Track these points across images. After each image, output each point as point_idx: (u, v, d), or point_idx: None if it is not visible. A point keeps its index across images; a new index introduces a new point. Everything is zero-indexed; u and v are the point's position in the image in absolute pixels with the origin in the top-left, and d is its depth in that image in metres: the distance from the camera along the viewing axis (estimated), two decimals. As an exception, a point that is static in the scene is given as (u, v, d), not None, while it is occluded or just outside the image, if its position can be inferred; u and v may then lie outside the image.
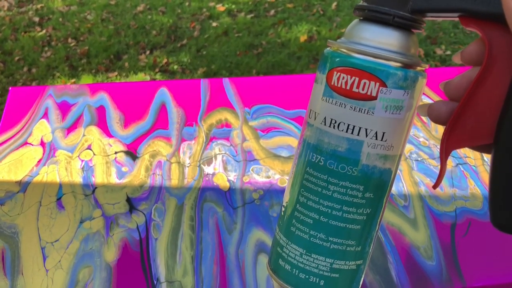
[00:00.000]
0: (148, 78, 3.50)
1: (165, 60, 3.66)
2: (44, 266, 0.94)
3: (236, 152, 1.13)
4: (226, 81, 1.28)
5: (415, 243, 0.97)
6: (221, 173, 1.09)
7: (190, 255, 0.96)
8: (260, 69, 3.46)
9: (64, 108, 1.19)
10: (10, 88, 1.21)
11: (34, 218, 1.00)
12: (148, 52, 3.73)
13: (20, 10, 4.43)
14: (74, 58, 3.77)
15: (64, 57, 3.79)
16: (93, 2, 4.35)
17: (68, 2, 4.44)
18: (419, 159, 1.12)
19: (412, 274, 0.92)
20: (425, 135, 1.17)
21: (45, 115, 1.18)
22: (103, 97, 1.22)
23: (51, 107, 1.20)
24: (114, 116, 1.19)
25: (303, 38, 3.64)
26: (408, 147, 1.15)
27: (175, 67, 3.58)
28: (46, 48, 3.93)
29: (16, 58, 3.87)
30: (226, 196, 1.05)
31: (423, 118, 1.20)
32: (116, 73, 3.55)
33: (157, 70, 3.56)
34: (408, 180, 1.08)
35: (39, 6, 4.45)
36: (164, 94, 1.24)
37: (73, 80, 3.55)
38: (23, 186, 1.05)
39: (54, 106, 1.20)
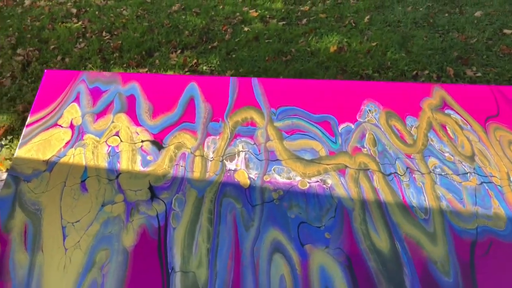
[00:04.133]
0: (176, 76, 3.54)
1: (194, 61, 3.70)
2: (64, 245, 0.96)
3: (259, 150, 1.14)
4: (254, 81, 1.29)
5: (432, 257, 0.96)
6: (243, 170, 1.10)
7: (206, 248, 0.97)
8: (288, 76, 3.46)
9: (95, 94, 1.22)
10: (45, 70, 1.25)
11: (57, 197, 1.03)
12: (179, 51, 3.78)
13: (59, 1, 4.56)
14: (107, 51, 3.85)
15: (97, 50, 3.87)
16: (129, -1, 4.43)
17: (106, -4, 4.54)
18: (443, 173, 1.11)
19: (428, 288, 0.91)
20: (451, 151, 1.15)
21: (77, 99, 1.21)
22: (134, 87, 1.24)
23: (83, 92, 1.23)
24: (143, 105, 1.21)
25: (333, 48, 3.64)
26: (433, 161, 1.14)
27: (204, 68, 3.61)
28: (81, 39, 4.03)
29: (52, 47, 3.97)
30: (246, 193, 1.06)
31: (450, 133, 1.19)
32: (146, 69, 3.61)
33: (186, 69, 3.60)
34: (430, 194, 1.06)
35: (77, -2, 4.56)
36: (193, 88, 1.26)
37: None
38: (50, 165, 1.08)
39: (86, 91, 1.23)
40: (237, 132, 1.18)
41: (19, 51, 3.91)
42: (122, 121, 1.17)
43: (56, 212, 1.00)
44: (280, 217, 1.02)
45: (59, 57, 3.84)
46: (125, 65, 3.70)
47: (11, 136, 3.16)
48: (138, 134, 1.15)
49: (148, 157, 1.11)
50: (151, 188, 1.05)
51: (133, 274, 0.93)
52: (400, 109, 1.23)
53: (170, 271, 0.93)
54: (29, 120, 1.16)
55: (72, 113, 1.18)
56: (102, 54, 3.83)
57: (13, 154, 3.06)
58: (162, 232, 0.98)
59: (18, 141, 3.22)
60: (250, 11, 4.13)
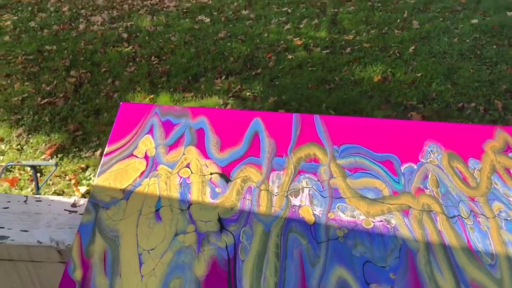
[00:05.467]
0: (221, 101, 3.64)
1: (238, 86, 3.80)
2: (140, 271, 1.02)
3: (323, 187, 1.18)
4: (316, 118, 1.34)
5: (501, 304, 0.96)
6: (307, 206, 1.14)
7: (274, 282, 1.01)
8: (330, 104, 3.50)
9: (167, 126, 1.30)
10: (121, 103, 1.33)
11: (134, 225, 1.09)
12: (224, 77, 3.89)
13: (111, 26, 4.79)
14: (155, 75, 4.01)
15: (146, 73, 4.03)
16: (178, 25, 4.62)
17: (156, 22, 4.74)
18: (508, 218, 1.11)
19: (497, 336, 0.91)
20: (516, 195, 1.16)
21: (150, 131, 1.29)
22: (203, 121, 1.31)
23: (156, 124, 1.30)
24: (212, 139, 1.27)
25: (377, 78, 3.66)
26: (497, 205, 1.14)
27: (248, 94, 3.70)
28: (131, 63, 4.21)
29: (103, 70, 4.17)
30: (311, 229, 1.09)
31: (514, 177, 1.19)
32: (192, 93, 3.73)
33: (230, 95, 3.70)
34: (496, 239, 1.07)
35: (129, 23, 4.79)
36: (258, 124, 1.31)
37: (151, 96, 3.76)
38: (127, 194, 1.15)
39: (159, 124, 1.30)
40: (301, 168, 1.22)
41: (72, 73, 4.12)
42: (192, 153, 1.24)
43: (132, 239, 1.06)
44: (345, 256, 1.04)
45: (109, 80, 4.02)
46: (172, 89, 3.83)
47: (62, 154, 3.31)
48: (207, 167, 1.21)
49: (217, 189, 1.17)
50: (220, 220, 1.10)
51: (205, 304, 0.97)
52: (462, 151, 1.24)
53: (239, 303, 0.97)
54: (107, 149, 1.24)
55: (147, 144, 1.26)
56: (151, 78, 3.99)
57: (63, 172, 3.20)
58: (232, 263, 1.03)
59: (68, 159, 3.38)
60: (294, 39, 4.22)
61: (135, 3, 5.33)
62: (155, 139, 1.27)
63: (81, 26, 4.82)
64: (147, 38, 4.52)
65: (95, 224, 1.09)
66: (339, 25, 4.56)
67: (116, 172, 1.20)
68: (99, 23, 4.80)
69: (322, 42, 4.24)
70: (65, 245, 1.11)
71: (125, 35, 4.61)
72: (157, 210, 1.12)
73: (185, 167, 1.21)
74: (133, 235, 1.07)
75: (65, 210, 1.18)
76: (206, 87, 3.86)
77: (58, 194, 3.00)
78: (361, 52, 4.04)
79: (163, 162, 1.22)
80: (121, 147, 1.25)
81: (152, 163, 1.22)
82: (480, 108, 3.28)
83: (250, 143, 1.27)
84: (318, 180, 1.19)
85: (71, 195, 2.94)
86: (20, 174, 3.09)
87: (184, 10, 5.16)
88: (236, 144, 1.27)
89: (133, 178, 1.18)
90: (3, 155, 3.29)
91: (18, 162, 3.04)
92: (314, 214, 1.12)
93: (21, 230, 1.14)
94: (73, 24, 4.92)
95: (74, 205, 1.19)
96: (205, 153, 1.24)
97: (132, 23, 4.84)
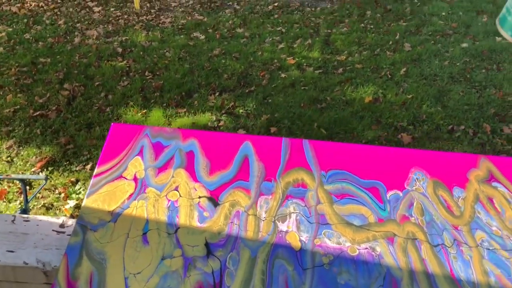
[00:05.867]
0: (214, 118, 3.66)
1: (232, 103, 3.82)
2: (125, 295, 1.02)
3: (310, 213, 1.19)
4: (305, 143, 1.36)
5: (482, 334, 0.97)
6: (294, 232, 1.15)
7: (259, 308, 1.01)
8: (322, 123, 3.53)
9: (157, 148, 1.31)
10: (112, 124, 1.34)
11: (121, 248, 1.09)
12: (217, 93, 3.91)
13: (106, 40, 4.82)
14: (148, 90, 4.02)
15: (139, 88, 4.04)
16: (173, 41, 4.66)
17: (151, 38, 4.78)
18: (490, 248, 1.13)
19: None
20: (498, 225, 1.18)
21: (140, 153, 1.30)
22: (193, 143, 1.32)
23: (146, 146, 1.32)
24: (201, 162, 1.28)
25: (368, 98, 3.71)
26: (480, 234, 1.16)
27: (241, 111, 3.72)
28: (124, 78, 4.22)
29: (96, 83, 4.17)
30: (297, 256, 1.10)
31: (497, 206, 1.21)
32: (185, 109, 3.74)
33: (223, 111, 3.72)
34: (478, 268, 1.08)
35: (124, 38, 4.82)
36: (247, 147, 1.33)
37: (144, 111, 3.77)
38: (115, 216, 1.15)
39: (149, 146, 1.32)
40: (289, 193, 1.23)
41: (66, 85, 4.12)
42: (181, 176, 1.25)
43: (119, 262, 1.07)
44: (330, 283, 1.05)
45: (102, 94, 4.03)
46: (165, 104, 3.85)
47: (52, 167, 3.30)
48: (196, 190, 1.22)
49: (205, 213, 1.18)
50: (207, 244, 1.11)
51: (189, 330, 0.97)
52: (447, 179, 1.27)
53: (224, 329, 0.97)
54: (96, 170, 1.25)
55: (136, 166, 1.27)
56: (144, 93, 4.00)
57: (53, 186, 3.19)
58: (217, 289, 1.03)
59: (59, 172, 3.36)
60: (288, 58, 4.27)
61: (130, 18, 5.37)
62: (145, 161, 1.28)
63: (76, 40, 4.84)
64: (141, 53, 4.55)
65: (82, 246, 1.09)
66: (332, 46, 4.63)
67: (105, 194, 1.20)
68: (94, 37, 4.82)
69: (315, 62, 4.30)
70: (51, 266, 1.11)
71: (119, 50, 4.64)
72: (144, 234, 1.13)
73: (174, 190, 1.22)
74: (120, 258, 1.08)
75: (53, 230, 1.18)
76: (199, 103, 3.89)
77: (47, 208, 2.99)
78: (353, 72, 4.09)
79: (152, 184, 1.23)
80: (110, 168, 1.26)
81: (141, 185, 1.23)
82: (469, 131, 3.33)
83: (239, 166, 1.29)
84: (306, 205, 1.21)
85: (60, 209, 2.92)
86: (9, 186, 3.07)
87: (180, 27, 5.21)
88: (225, 167, 1.28)
89: (122, 200, 1.19)
90: (-7, 167, 3.26)
91: (7, 175, 3.03)
92: (300, 240, 1.13)
93: (7, 251, 1.14)
94: (68, 37, 4.94)
95: (62, 225, 1.19)
96: (194, 176, 1.25)
97: (127, 38, 4.88)
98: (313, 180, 1.27)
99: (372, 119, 3.53)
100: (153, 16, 5.47)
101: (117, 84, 4.15)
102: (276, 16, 5.44)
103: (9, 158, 3.38)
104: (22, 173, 3.27)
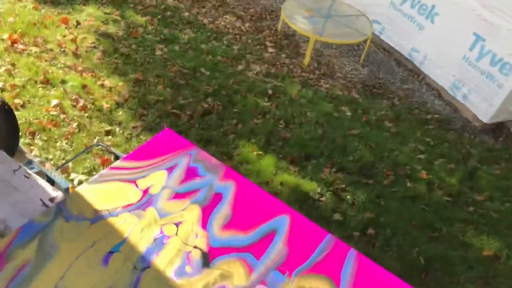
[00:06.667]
0: (318, 190, 3.38)
1: (343, 186, 3.53)
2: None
3: None
4: (352, 253, 1.03)
5: None
6: None
7: None
8: (424, 252, 3.03)
9: (190, 173, 1.12)
10: (166, 127, 1.21)
11: (75, 253, 0.91)
12: (334, 169, 3.67)
13: (264, 78, 4.96)
14: (275, 137, 3.96)
15: (268, 131, 4.00)
16: (320, 105, 4.57)
17: (302, 94, 4.78)
18: None
19: None
20: None
21: (170, 169, 1.12)
22: (228, 187, 1.10)
23: (181, 165, 1.14)
24: (223, 210, 1.05)
25: (487, 252, 3.10)
26: None
27: (348, 196, 3.40)
28: (260, 116, 4.24)
29: (234, 110, 4.25)
30: None
31: None
32: (297, 169, 3.56)
33: (331, 189, 3.43)
34: None
35: (279, 84, 4.91)
36: (282, 222, 1.06)
37: (260, 153, 3.67)
38: (97, 218, 0.98)
39: (185, 167, 1.13)
40: (297, 300, 0.92)
41: (208, 100, 4.30)
42: (192, 213, 1.03)
43: (63, 267, 0.88)
44: None
45: (234, 120, 4.07)
46: (281, 155, 3.71)
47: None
48: (197, 237, 0.99)
49: (187, 268, 0.93)
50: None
51: None
52: None
53: None
54: (116, 163, 1.11)
55: (156, 179, 1.09)
56: (269, 137, 3.94)
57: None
58: None
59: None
60: (422, 171, 3.82)
61: (294, 70, 5.49)
62: (169, 179, 1.10)
63: (240, 67, 5.11)
64: (287, 102, 4.55)
65: (42, 229, 0.94)
66: (474, 181, 4.07)
67: (106, 190, 1.05)
68: (255, 72, 5.02)
69: (448, 188, 3.79)
70: (12, 232, 0.97)
71: (270, 91, 4.72)
72: (111, 252, 0.93)
73: (174, 224, 1.01)
74: (66, 265, 0.89)
75: (40, 199, 1.06)
76: (312, 170, 3.68)
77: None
78: (484, 218, 3.49)
79: (157, 206, 1.03)
80: (132, 168, 1.11)
81: (146, 201, 1.04)
82: None
83: (260, 238, 1.02)
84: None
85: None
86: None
87: (333, 96, 5.13)
88: (245, 230, 1.03)
89: (116, 205, 1.02)
90: (113, 138, 3.47)
91: (108, 146, 3.16)
92: None
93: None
94: (233, 62, 5.22)
95: (52, 199, 1.06)
96: (205, 221, 1.02)
97: (282, 85, 4.96)
98: (334, 301, 0.94)
99: (482, 276, 2.89)
100: (315, 76, 5.49)
101: (252, 118, 4.18)
102: (430, 127, 5.03)
103: (129, 136, 3.56)
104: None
